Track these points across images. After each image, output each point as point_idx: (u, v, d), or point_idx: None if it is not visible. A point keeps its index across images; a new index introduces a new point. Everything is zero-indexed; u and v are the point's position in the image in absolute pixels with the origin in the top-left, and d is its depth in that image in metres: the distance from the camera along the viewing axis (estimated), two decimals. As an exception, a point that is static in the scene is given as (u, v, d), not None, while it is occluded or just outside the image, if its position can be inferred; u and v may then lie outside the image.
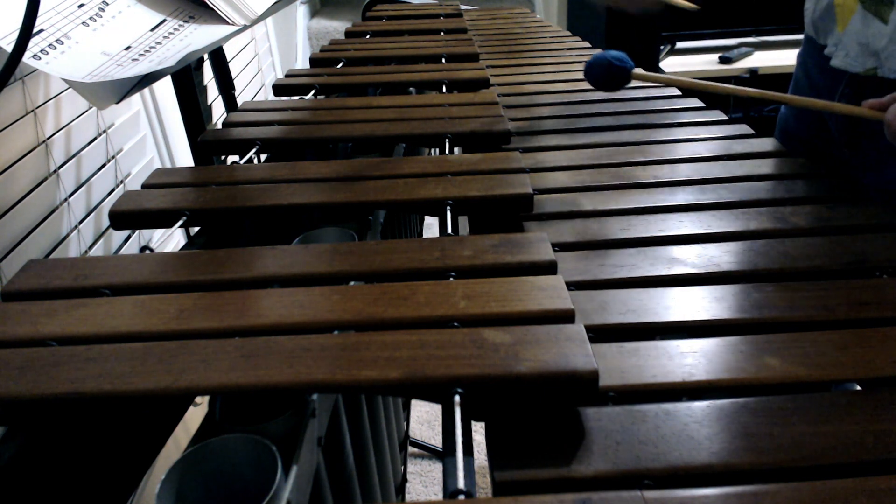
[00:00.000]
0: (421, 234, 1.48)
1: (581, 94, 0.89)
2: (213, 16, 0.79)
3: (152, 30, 0.70)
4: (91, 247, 0.94)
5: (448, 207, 0.53)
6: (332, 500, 0.43)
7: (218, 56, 1.08)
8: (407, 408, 1.26)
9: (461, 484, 0.29)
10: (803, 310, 0.42)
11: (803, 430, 0.32)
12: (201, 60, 0.95)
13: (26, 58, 0.52)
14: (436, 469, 1.46)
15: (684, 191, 0.60)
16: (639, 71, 0.66)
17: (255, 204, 0.54)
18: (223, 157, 0.88)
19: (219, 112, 1.28)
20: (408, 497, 1.36)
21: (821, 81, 0.71)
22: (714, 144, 0.70)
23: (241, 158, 0.67)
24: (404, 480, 1.12)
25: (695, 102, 0.83)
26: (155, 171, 0.61)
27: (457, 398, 0.32)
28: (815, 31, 0.72)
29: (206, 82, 1.18)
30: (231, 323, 0.38)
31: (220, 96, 1.12)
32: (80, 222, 0.91)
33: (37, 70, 0.72)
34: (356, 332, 0.37)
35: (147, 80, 0.63)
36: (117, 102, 0.59)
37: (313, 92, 0.87)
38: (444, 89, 0.87)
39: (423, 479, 1.43)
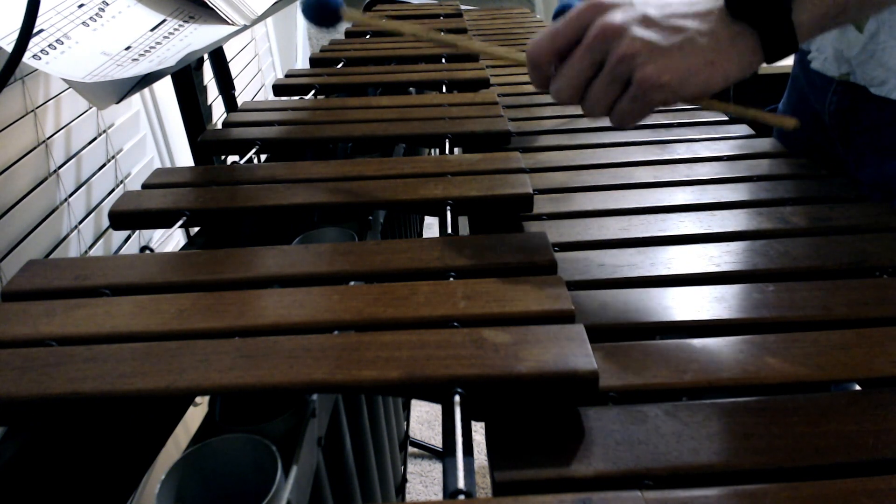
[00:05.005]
0: (421, 234, 1.48)
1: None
2: (213, 16, 0.79)
3: (152, 30, 0.70)
4: (91, 247, 0.94)
5: (448, 207, 0.53)
6: (332, 500, 0.43)
7: (218, 56, 1.08)
8: (407, 408, 1.26)
9: (461, 484, 0.29)
10: (803, 310, 0.42)
11: (803, 430, 0.32)
12: (201, 60, 0.96)
13: (26, 58, 0.52)
14: (436, 469, 1.46)
15: (684, 191, 0.60)
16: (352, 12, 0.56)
17: (255, 204, 0.54)
18: (223, 157, 0.88)
19: (219, 112, 1.28)
20: (408, 497, 1.36)
21: (817, 80, 0.72)
22: (714, 144, 0.70)
23: (241, 158, 0.67)
24: (404, 480, 1.12)
25: (695, 102, 0.83)
26: (155, 171, 0.61)
27: (457, 398, 0.32)
28: None
29: (206, 82, 1.18)
30: (231, 323, 0.38)
31: (220, 96, 1.12)
32: (80, 222, 0.91)
33: (37, 70, 0.72)
34: (356, 332, 0.37)
35: (147, 80, 0.63)
36: (117, 102, 0.59)
37: (313, 92, 0.87)
38: (444, 89, 0.87)
39: (423, 479, 1.43)
